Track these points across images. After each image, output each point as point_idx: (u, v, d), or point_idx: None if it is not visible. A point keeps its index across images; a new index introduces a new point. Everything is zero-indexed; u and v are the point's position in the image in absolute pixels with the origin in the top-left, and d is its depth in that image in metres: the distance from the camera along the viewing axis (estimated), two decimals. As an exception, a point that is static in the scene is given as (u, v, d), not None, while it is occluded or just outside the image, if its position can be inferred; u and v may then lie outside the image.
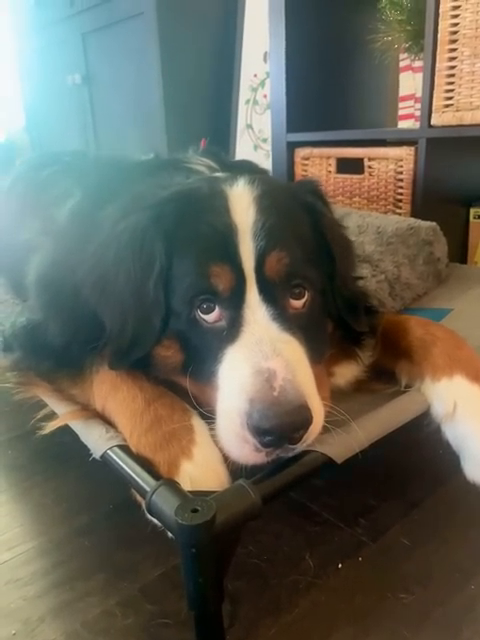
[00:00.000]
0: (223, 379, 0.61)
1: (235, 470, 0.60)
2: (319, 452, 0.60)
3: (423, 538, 0.83)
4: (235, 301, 0.62)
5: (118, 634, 0.70)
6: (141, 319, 0.66)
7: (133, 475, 0.59)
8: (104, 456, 0.64)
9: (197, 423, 0.63)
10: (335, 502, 0.90)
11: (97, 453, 0.65)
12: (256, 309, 0.61)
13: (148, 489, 0.56)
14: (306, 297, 0.66)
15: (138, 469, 0.60)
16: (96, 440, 0.67)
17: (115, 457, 0.63)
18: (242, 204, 0.65)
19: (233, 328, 0.61)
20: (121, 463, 0.62)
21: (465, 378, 0.70)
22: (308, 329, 0.65)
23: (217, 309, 0.63)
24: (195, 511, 0.50)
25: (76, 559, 0.84)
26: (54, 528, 0.91)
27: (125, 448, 0.64)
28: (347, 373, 0.77)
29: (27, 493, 1.00)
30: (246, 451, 0.57)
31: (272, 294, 0.63)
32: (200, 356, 0.64)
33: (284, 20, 1.62)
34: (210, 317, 0.63)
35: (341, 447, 0.62)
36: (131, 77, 2.32)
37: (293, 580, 0.76)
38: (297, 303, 0.65)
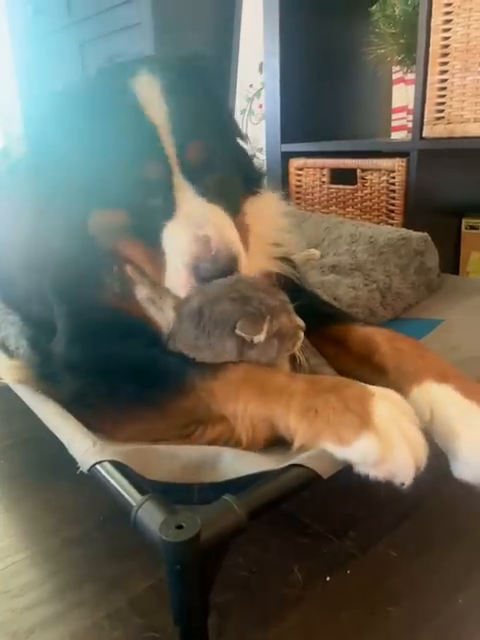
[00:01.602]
0: (168, 246, 0.75)
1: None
2: (306, 467, 0.60)
3: (412, 550, 0.83)
4: (164, 185, 0.75)
5: (106, 648, 0.70)
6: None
7: (119, 489, 0.59)
8: (92, 470, 0.65)
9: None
10: (324, 514, 0.90)
11: (85, 466, 0.65)
12: (183, 189, 0.75)
13: (134, 504, 0.56)
14: (219, 168, 0.79)
15: (125, 483, 0.60)
16: (84, 453, 0.67)
17: (103, 471, 0.63)
18: (150, 99, 0.74)
19: (167, 207, 0.74)
20: (108, 477, 0.62)
21: (433, 382, 0.72)
22: (224, 193, 0.78)
23: (149, 194, 0.75)
24: (180, 527, 0.51)
25: (66, 570, 0.83)
26: (45, 539, 0.90)
27: (114, 462, 0.64)
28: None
29: (18, 503, 1.00)
30: None
31: (194, 175, 0.75)
32: (141, 228, 0.77)
33: (279, 32, 1.64)
34: (145, 201, 0.75)
35: (327, 462, 0.62)
36: (128, 86, 2.32)
37: (281, 593, 0.76)
38: (214, 176, 0.78)
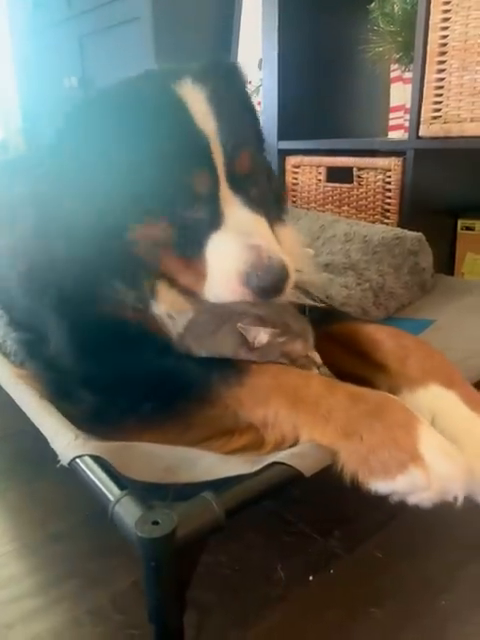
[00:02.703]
0: (214, 255, 0.73)
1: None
2: (286, 465, 0.60)
3: (397, 551, 0.82)
4: (211, 197, 0.73)
5: (85, 643, 0.70)
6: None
7: (98, 484, 0.59)
8: (72, 463, 0.64)
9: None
10: (311, 512, 0.90)
11: (65, 459, 0.65)
12: (230, 200, 0.73)
13: (111, 499, 0.56)
14: (259, 180, 0.79)
15: (104, 478, 0.59)
16: (65, 446, 0.66)
17: (82, 465, 0.63)
18: (199, 107, 0.72)
19: (214, 219, 0.73)
20: (88, 471, 0.61)
21: (440, 386, 0.70)
22: (264, 203, 0.78)
23: (195, 205, 0.73)
24: (155, 523, 0.50)
25: (50, 565, 0.83)
26: (30, 533, 0.90)
27: (94, 457, 0.63)
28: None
29: (4, 497, 0.99)
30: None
31: (239, 185, 0.74)
32: (184, 240, 0.74)
33: (277, 29, 1.63)
34: (190, 212, 0.73)
35: (310, 460, 0.62)
36: (127, 81, 2.32)
37: (263, 592, 0.75)
38: (256, 188, 0.77)
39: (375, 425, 0.60)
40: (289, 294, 0.78)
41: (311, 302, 0.88)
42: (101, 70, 2.48)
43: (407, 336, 0.79)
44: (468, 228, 1.55)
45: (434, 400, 0.69)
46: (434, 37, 1.28)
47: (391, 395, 0.67)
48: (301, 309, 0.77)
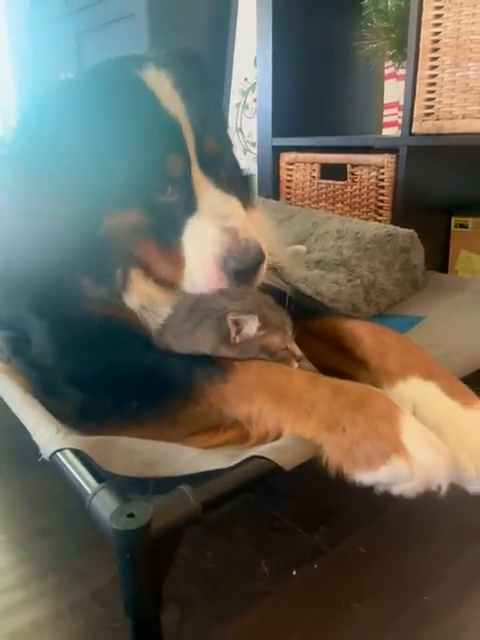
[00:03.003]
0: (191, 240, 0.73)
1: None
2: (265, 458, 0.60)
3: (381, 547, 0.82)
4: (184, 179, 0.73)
5: (65, 636, 0.70)
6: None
7: (77, 477, 0.59)
8: (53, 457, 0.64)
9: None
10: (297, 508, 0.90)
11: (46, 453, 0.65)
12: (202, 183, 0.74)
13: (89, 492, 0.56)
14: (228, 163, 0.80)
15: (83, 471, 0.59)
16: (46, 440, 0.66)
17: (63, 459, 0.63)
18: (167, 91, 0.72)
19: (188, 202, 0.73)
20: (68, 465, 0.61)
21: (419, 378, 0.71)
22: (235, 183, 0.79)
23: (169, 188, 0.73)
24: (131, 516, 0.50)
25: (34, 559, 0.83)
26: (16, 527, 0.90)
27: (75, 451, 0.63)
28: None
29: (-7, 492, 1.00)
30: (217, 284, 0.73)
31: (210, 168, 0.74)
32: (159, 226, 0.74)
33: (271, 26, 1.63)
34: (164, 196, 0.73)
35: (290, 454, 0.62)
36: (123, 77, 2.31)
37: (246, 587, 0.75)
38: (225, 171, 0.78)
39: (357, 417, 0.60)
40: (263, 276, 0.79)
41: (281, 284, 0.89)
42: (98, 67, 2.47)
43: (387, 332, 0.79)
44: (462, 226, 1.54)
45: (414, 392, 0.70)
46: (426, 34, 1.27)
47: (373, 387, 0.67)
48: (281, 301, 0.76)
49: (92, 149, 0.71)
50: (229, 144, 0.86)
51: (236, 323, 0.68)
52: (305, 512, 0.89)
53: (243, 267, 0.71)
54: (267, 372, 0.68)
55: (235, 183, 0.80)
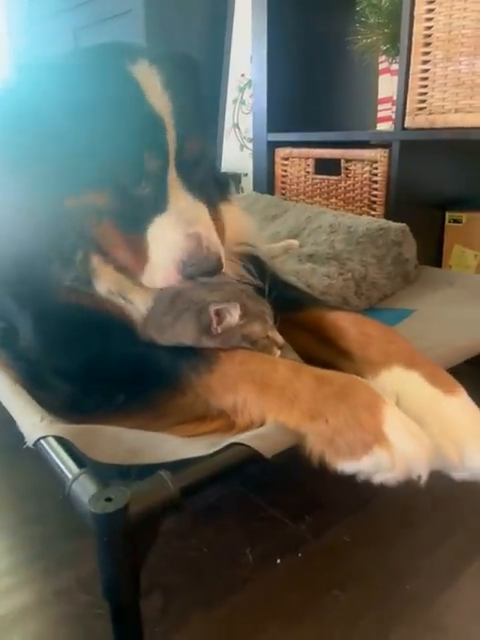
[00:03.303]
0: (156, 239, 0.74)
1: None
2: (246, 445, 0.60)
3: (366, 537, 0.83)
4: (159, 177, 0.74)
5: (51, 622, 0.71)
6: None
7: (59, 463, 0.60)
8: (37, 444, 0.65)
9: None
10: (283, 498, 0.91)
11: (30, 440, 0.65)
12: (175, 184, 0.74)
13: (70, 477, 0.56)
14: (205, 167, 0.80)
15: (65, 457, 0.60)
16: (31, 427, 0.67)
17: (46, 446, 0.63)
18: (156, 89, 0.72)
19: (158, 201, 0.74)
20: (51, 452, 0.62)
21: (402, 367, 0.71)
22: (207, 191, 0.80)
23: (142, 183, 0.73)
24: (109, 500, 0.51)
25: (22, 547, 0.84)
26: (5, 515, 0.92)
27: (58, 439, 0.64)
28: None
29: (-20, 480, 1.01)
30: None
31: (186, 170, 0.75)
32: (124, 215, 0.74)
33: (266, 22, 1.63)
34: (136, 189, 0.74)
35: (271, 441, 0.62)
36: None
37: (230, 575, 0.76)
38: (200, 175, 0.78)
39: (340, 407, 0.61)
40: (239, 268, 0.84)
41: (251, 277, 0.89)
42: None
43: (370, 323, 0.80)
44: (456, 221, 1.54)
45: (397, 381, 0.70)
46: (419, 28, 1.27)
47: (357, 377, 0.67)
48: (260, 291, 0.77)
49: (72, 130, 0.72)
50: (209, 148, 0.88)
51: (218, 314, 0.68)
52: (292, 502, 0.90)
53: (200, 274, 0.73)
54: (251, 362, 0.68)
55: (208, 186, 0.81)
